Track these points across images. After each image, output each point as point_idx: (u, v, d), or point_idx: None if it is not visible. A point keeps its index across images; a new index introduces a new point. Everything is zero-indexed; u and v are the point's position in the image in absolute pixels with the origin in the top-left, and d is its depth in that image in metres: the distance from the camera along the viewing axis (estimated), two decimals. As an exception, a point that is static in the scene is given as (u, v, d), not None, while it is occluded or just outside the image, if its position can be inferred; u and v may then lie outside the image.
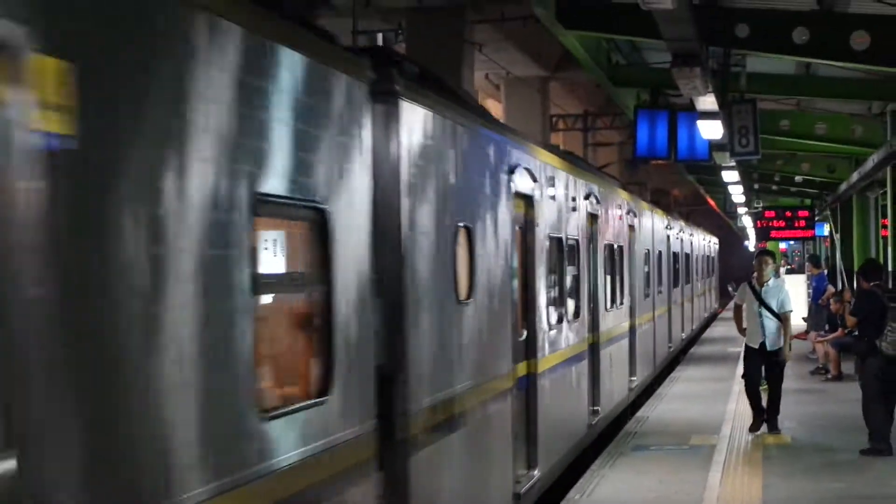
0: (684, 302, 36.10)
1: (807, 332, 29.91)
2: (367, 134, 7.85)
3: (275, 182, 6.27)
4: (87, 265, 4.45)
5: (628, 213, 22.55)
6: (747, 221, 55.97)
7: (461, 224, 10.03)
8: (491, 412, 10.95)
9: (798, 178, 36.77)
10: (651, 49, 21.48)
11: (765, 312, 17.81)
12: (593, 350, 17.64)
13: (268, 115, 6.25)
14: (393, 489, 8.00)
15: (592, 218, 18.11)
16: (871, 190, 28.18)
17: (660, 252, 28.35)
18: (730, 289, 48.80)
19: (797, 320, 36.33)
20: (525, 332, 13.00)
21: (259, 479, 5.84)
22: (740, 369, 26.86)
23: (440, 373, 9.30)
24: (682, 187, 53.78)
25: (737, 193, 38.90)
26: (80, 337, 4.42)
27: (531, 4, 16.63)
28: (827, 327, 26.78)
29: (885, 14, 15.19)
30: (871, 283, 16.90)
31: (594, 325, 17.71)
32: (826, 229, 45.17)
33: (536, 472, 12.98)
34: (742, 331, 18.45)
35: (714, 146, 20.64)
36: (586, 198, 17.41)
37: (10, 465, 3.91)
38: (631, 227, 22.85)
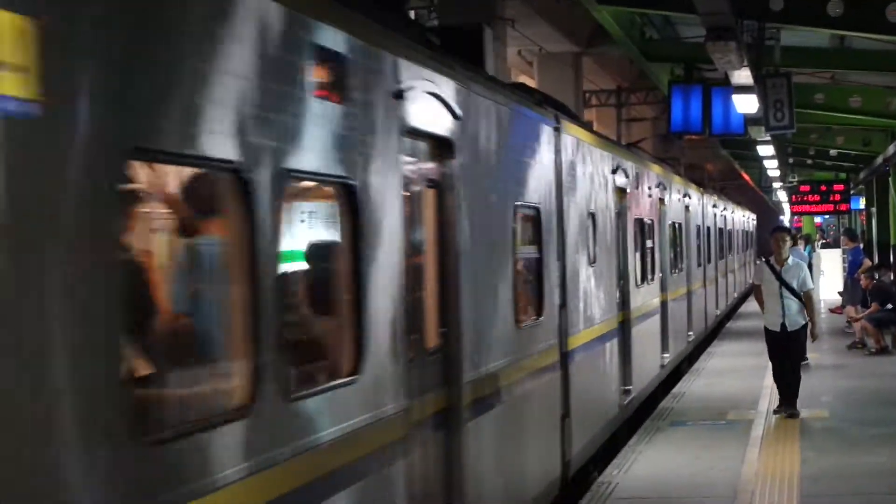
0: (736, 269, 42.56)
1: (842, 306, 29.80)
2: (552, 155, 12.48)
3: (526, 196, 11.31)
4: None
5: (684, 196, 26.61)
6: (782, 196, 55.79)
7: (590, 211, 14.65)
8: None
9: (833, 152, 36.64)
10: (684, 24, 21.40)
11: (785, 292, 16.85)
12: (663, 307, 21.34)
13: (516, 152, 11.15)
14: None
15: (661, 202, 21.88)
16: (907, 163, 28.04)
17: (708, 228, 32.28)
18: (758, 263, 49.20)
19: (833, 294, 36.36)
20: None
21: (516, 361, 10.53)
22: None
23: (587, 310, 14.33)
24: (717, 162, 53.56)
25: (771, 168, 38.77)
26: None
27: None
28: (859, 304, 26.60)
29: (922, -15, 15.09)
30: None
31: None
32: (861, 203, 44.99)
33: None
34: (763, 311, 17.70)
35: (749, 120, 20.58)
36: (658, 186, 21.46)
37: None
38: (687, 208, 26.73)
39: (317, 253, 6.98)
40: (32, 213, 3.95)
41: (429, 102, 8.29)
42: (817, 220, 63.08)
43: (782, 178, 45.42)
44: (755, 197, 72.75)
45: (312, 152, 6.24)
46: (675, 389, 20.80)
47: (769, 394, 18.91)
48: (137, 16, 4.68)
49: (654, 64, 23.28)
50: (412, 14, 24.78)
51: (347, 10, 6.88)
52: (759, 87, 18.07)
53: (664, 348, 21.76)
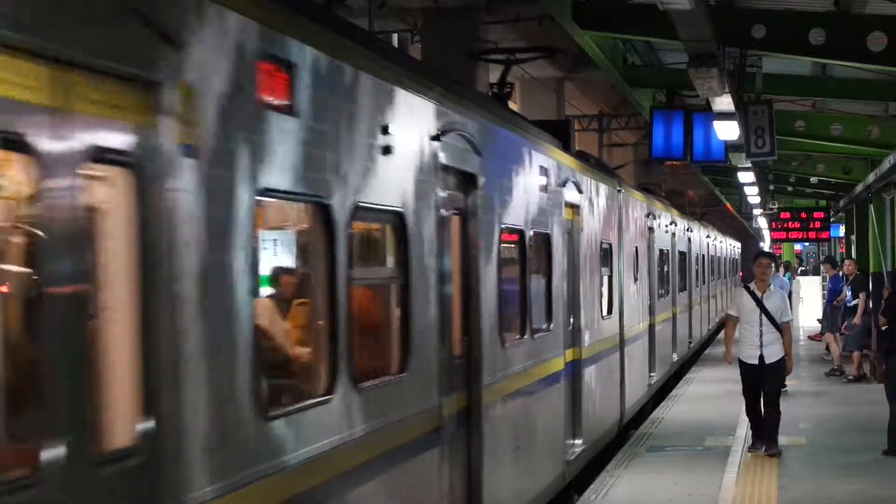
0: (724, 290, 47.22)
1: (822, 333, 29.84)
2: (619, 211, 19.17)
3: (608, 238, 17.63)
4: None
5: (688, 229, 31.75)
6: (762, 222, 55.93)
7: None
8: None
9: (813, 180, 36.70)
10: (667, 50, 21.46)
11: (765, 321, 15.83)
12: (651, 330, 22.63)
13: (609, 210, 17.93)
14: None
15: (650, 231, 24.02)
16: (887, 191, 28.10)
17: (704, 255, 37.48)
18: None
19: (813, 321, 36.43)
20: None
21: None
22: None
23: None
24: (697, 188, 53.67)
25: (752, 194, 38.86)
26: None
27: (547, 4, 16.62)
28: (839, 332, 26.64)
29: (903, 15, 15.15)
30: None
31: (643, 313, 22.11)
32: (841, 230, 45.09)
33: None
34: (727, 355, 16.72)
35: (730, 147, 20.64)
36: (655, 217, 24.73)
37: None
38: (686, 237, 31.33)
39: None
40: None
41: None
42: (797, 247, 63.21)
43: (763, 205, 45.50)
44: (738, 224, 72.89)
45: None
46: (654, 415, 20.80)
47: (747, 420, 18.91)
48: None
49: (637, 89, 23.32)
50: (395, 38, 24.82)
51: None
52: (741, 113, 18.13)
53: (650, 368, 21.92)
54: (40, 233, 4.36)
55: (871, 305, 26.39)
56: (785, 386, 19.11)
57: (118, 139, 4.83)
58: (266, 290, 6.90)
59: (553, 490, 13.23)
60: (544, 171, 13.13)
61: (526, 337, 12.12)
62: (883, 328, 17.01)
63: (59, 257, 4.45)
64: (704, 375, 27.61)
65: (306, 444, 6.54)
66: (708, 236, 39.84)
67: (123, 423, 4.93)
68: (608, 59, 20.15)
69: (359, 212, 7.41)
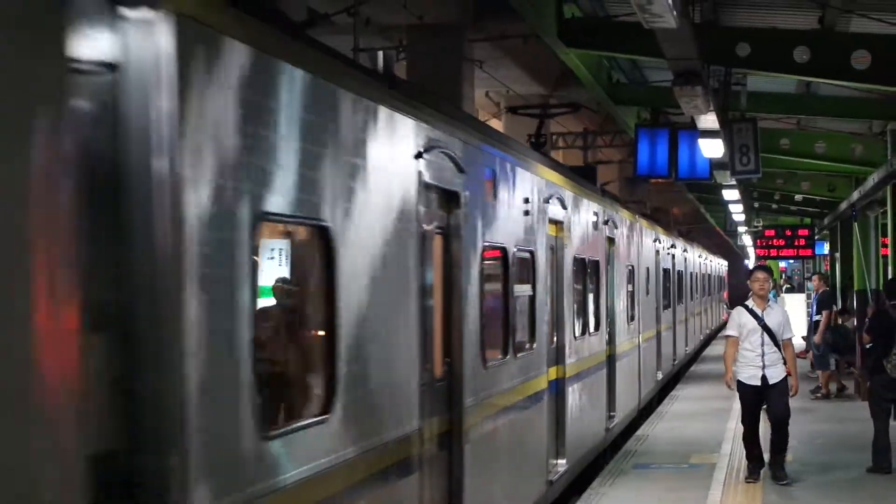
0: (712, 305, 52.09)
1: (807, 350, 29.89)
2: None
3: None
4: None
5: (684, 250, 35.61)
6: (747, 240, 56.04)
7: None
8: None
9: (798, 197, 36.81)
10: (651, 68, 21.51)
11: (767, 340, 15.07)
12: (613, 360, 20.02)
13: (629, 239, 22.00)
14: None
15: (657, 254, 27.39)
16: (871, 209, 28.19)
17: (691, 273, 39.22)
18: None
19: (797, 339, 36.48)
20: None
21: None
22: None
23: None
24: (682, 205, 53.75)
25: (737, 212, 38.93)
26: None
27: (532, 23, 16.66)
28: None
29: (886, 33, 15.22)
30: (892, 303, 16.43)
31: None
32: (826, 248, 45.18)
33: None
34: (727, 377, 15.49)
35: (715, 165, 20.67)
36: (657, 240, 27.63)
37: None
38: (679, 257, 34.26)
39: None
40: None
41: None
42: (782, 264, 63.32)
43: (747, 223, 45.60)
44: (723, 242, 72.97)
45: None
46: (639, 432, 20.80)
47: (732, 437, 18.93)
48: None
49: (621, 107, 23.37)
50: (380, 56, 24.81)
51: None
52: (725, 131, 18.16)
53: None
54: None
55: (840, 323, 26.56)
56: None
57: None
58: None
59: None
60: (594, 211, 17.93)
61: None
62: (867, 346, 17.02)
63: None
64: (689, 393, 27.63)
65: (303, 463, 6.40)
66: (700, 256, 44.12)
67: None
68: (593, 76, 20.19)
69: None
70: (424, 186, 8.77)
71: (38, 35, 4.02)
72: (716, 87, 16.65)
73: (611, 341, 19.22)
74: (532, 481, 12.91)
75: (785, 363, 15.27)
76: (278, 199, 6.20)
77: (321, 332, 7.03)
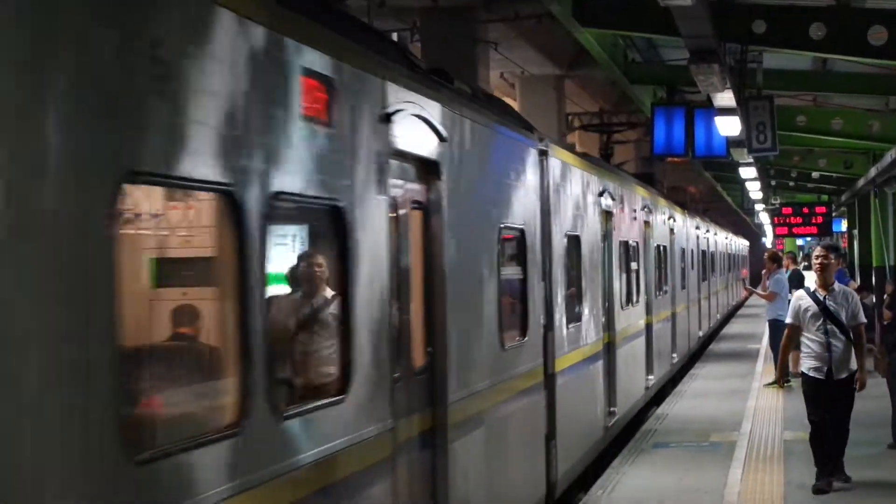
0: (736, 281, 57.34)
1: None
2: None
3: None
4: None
5: (713, 232, 40.41)
6: (764, 218, 55.94)
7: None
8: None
9: (815, 174, 36.74)
10: (667, 46, 21.47)
11: (833, 329, 13.01)
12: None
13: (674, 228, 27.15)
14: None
15: (672, 232, 27.59)
16: (889, 185, 28.11)
17: (720, 253, 44.89)
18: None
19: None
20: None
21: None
22: (760, 365, 26.92)
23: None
24: (699, 184, 53.65)
25: (754, 190, 38.87)
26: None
27: (546, 2, 16.63)
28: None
29: (903, 8, 15.15)
30: None
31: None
32: (843, 225, 45.09)
33: None
34: (783, 369, 14.89)
35: (731, 142, 20.65)
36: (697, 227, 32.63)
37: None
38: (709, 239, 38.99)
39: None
40: None
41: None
42: (799, 242, 63.20)
43: (765, 201, 45.52)
44: (742, 220, 72.83)
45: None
46: (659, 411, 20.81)
47: (752, 415, 18.92)
48: None
49: (637, 86, 23.33)
50: (395, 36, 24.83)
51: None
52: (742, 109, 18.14)
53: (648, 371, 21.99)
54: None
55: (874, 300, 26.45)
56: (789, 381, 19.08)
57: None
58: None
59: None
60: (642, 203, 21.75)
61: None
62: (886, 322, 16.99)
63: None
64: (708, 371, 27.61)
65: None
66: (727, 238, 51.64)
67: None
68: (608, 56, 20.16)
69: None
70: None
71: None
72: (732, 64, 16.61)
73: (648, 311, 21.94)
74: (596, 425, 15.91)
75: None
76: None
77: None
